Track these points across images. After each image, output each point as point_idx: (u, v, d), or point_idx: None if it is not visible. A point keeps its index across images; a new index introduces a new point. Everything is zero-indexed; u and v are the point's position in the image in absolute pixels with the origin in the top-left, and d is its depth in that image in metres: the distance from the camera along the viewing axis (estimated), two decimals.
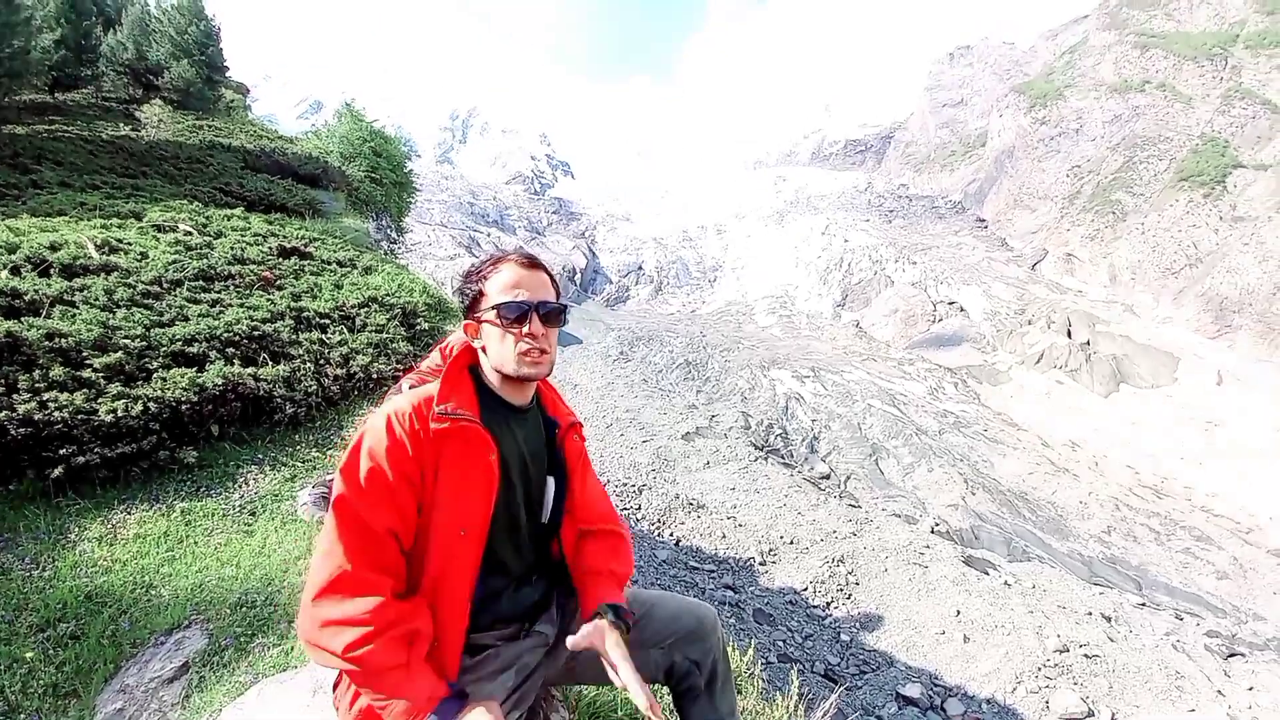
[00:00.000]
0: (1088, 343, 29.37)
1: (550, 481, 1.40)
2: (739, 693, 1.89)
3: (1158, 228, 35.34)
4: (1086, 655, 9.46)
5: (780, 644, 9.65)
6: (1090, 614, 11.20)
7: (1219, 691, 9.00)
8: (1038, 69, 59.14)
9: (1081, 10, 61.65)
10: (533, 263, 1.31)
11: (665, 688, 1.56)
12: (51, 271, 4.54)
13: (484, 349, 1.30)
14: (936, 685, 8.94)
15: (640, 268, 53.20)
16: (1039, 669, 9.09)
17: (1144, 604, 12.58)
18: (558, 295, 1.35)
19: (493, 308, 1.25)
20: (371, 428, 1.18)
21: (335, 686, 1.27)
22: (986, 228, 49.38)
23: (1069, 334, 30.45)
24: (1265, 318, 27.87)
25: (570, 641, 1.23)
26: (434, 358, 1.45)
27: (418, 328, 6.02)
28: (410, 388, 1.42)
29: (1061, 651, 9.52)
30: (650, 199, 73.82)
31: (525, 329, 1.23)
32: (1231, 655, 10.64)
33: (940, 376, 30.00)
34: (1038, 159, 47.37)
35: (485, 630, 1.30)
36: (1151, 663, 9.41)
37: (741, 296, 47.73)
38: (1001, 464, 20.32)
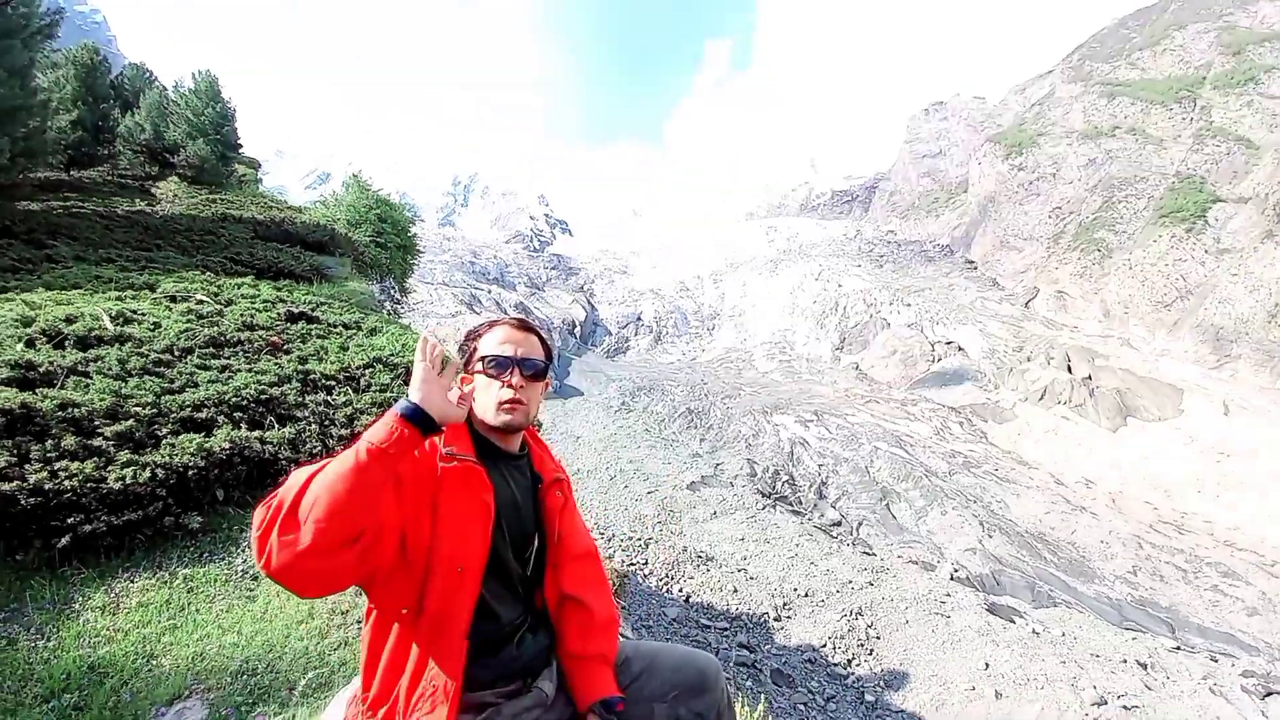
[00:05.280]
0: (1089, 377, 29.38)
1: (535, 536, 1.45)
2: None
3: (1144, 263, 36.09)
4: (1125, 706, 8.97)
5: (801, 708, 9.15)
6: (1125, 661, 10.69)
7: None
8: (1010, 120, 62.08)
9: (1045, 65, 65.56)
10: (524, 325, 1.47)
11: None
12: (66, 343, 4.65)
13: (474, 401, 1.42)
14: None
15: (639, 318, 53.95)
16: None
17: (1178, 647, 12.02)
18: (548, 359, 1.49)
19: (481, 359, 1.41)
20: None
21: None
22: (976, 269, 50.42)
23: (1069, 369, 30.52)
24: (1263, 346, 28.00)
25: None
26: None
27: None
28: None
29: (1099, 704, 9.02)
30: (647, 252, 75.76)
31: (507, 380, 1.37)
32: (1268, 695, 10.11)
33: (945, 416, 29.83)
34: (1019, 202, 48.96)
35: (487, 687, 1.30)
36: (1190, 709, 8.92)
37: (740, 343, 48.15)
38: (1016, 504, 19.88)
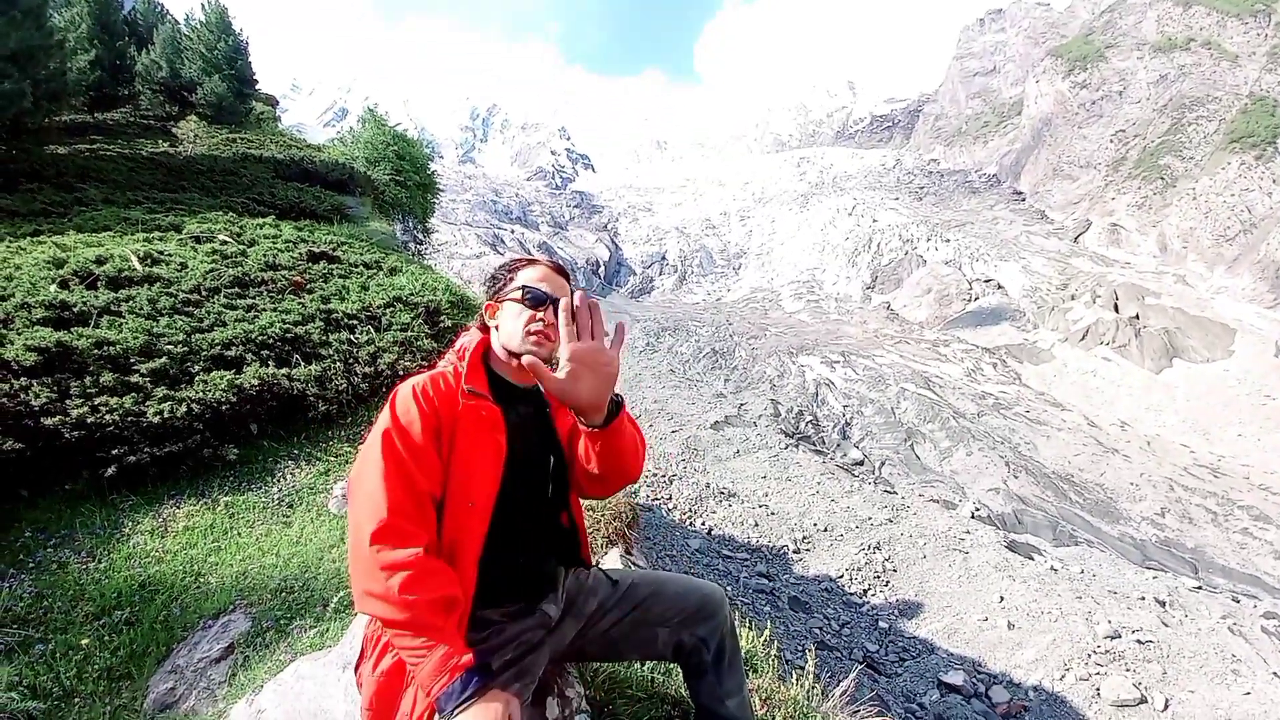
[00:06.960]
0: (1136, 317, 27.99)
1: (551, 459, 1.45)
2: (755, 672, 1.89)
3: (1209, 192, 33.31)
4: (1139, 641, 9.09)
5: (817, 631, 9.56)
6: (1143, 599, 10.75)
7: (1275, 674, 8.56)
8: (1075, 30, 56.18)
9: None
10: (562, 271, 1.45)
11: (675, 665, 1.58)
12: (98, 284, 4.78)
13: (497, 327, 1.41)
14: (980, 672, 8.72)
15: (664, 258, 53.00)
16: (1089, 655, 8.78)
17: (1200, 587, 12.01)
18: None
19: (519, 288, 1.38)
20: (400, 397, 1.29)
21: (358, 665, 1.33)
22: (1024, 200, 47.42)
23: (1116, 308, 29.08)
24: None
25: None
26: (449, 357, 1.51)
27: (441, 325, 6.13)
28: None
29: (1112, 637, 9.16)
30: (671, 188, 73.24)
31: (541, 314, 1.35)
32: None
33: (978, 357, 29.07)
34: (1078, 125, 45.14)
35: (493, 606, 1.34)
36: (1207, 647, 8.99)
37: (767, 283, 47.10)
38: (1045, 446, 19.60)
